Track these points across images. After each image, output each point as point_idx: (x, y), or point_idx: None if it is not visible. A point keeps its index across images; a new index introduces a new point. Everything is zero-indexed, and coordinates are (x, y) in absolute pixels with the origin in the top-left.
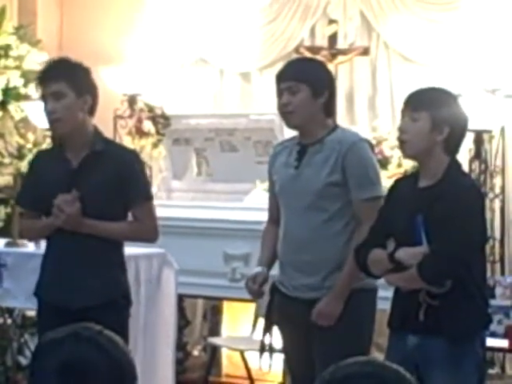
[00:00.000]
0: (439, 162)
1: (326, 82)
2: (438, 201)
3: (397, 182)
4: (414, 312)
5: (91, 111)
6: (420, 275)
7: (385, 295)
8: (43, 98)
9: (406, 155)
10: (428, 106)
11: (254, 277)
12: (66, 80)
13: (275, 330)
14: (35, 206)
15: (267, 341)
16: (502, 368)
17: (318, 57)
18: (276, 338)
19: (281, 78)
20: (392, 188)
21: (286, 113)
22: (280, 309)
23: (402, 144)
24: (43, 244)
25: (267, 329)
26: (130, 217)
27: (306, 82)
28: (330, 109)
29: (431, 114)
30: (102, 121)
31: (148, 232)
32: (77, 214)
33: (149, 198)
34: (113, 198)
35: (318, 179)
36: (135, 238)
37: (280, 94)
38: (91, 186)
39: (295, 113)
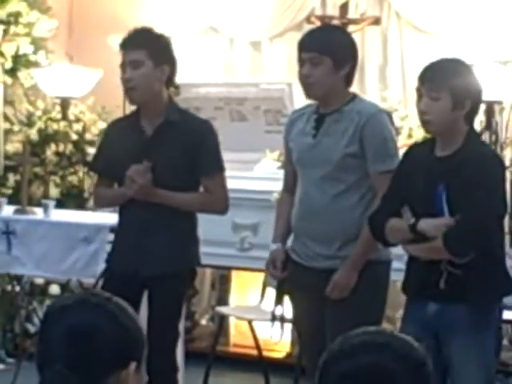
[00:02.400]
0: (459, 132)
1: (349, 53)
2: (460, 169)
3: (411, 148)
4: (434, 280)
5: (169, 82)
6: (446, 247)
7: (395, 266)
8: (122, 65)
9: (431, 133)
10: (446, 83)
11: (273, 260)
12: (146, 49)
13: (286, 299)
14: (108, 173)
15: (279, 311)
16: (510, 340)
17: None
18: (287, 308)
19: (303, 47)
20: (406, 154)
21: (306, 84)
22: (293, 278)
23: (426, 124)
24: (52, 212)
25: (279, 298)
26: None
27: (329, 54)
28: (350, 79)
29: (451, 91)
30: (114, 89)
31: (218, 203)
32: (148, 184)
33: (221, 169)
34: (185, 169)
35: (335, 150)
36: (205, 209)
37: (301, 63)
38: (164, 155)
39: (316, 85)
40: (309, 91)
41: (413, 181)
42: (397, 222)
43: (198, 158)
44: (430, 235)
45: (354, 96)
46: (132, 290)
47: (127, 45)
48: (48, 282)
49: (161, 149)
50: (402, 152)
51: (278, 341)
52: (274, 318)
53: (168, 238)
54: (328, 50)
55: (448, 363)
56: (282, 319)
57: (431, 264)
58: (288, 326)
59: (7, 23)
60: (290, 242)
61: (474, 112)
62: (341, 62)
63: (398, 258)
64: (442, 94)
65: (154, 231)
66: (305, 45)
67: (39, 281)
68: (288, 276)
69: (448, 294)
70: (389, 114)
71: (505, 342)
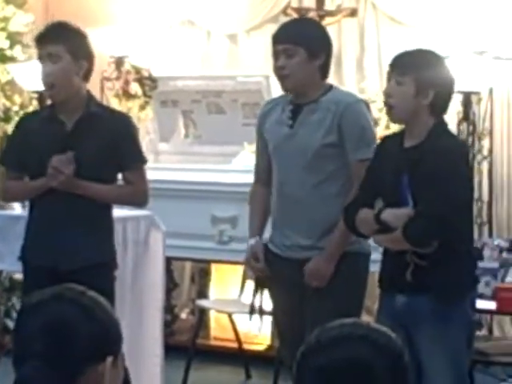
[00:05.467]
0: (424, 124)
1: (323, 44)
2: (421, 161)
3: (384, 139)
4: (401, 272)
5: (86, 76)
6: (405, 237)
7: (373, 257)
8: (40, 59)
9: (393, 120)
10: (412, 69)
11: (253, 253)
12: (64, 43)
13: (265, 291)
14: (21, 167)
15: (257, 303)
16: (490, 330)
17: None
18: (266, 300)
19: (277, 39)
20: (379, 146)
21: (281, 76)
22: (271, 269)
23: (389, 109)
24: None
25: (257, 290)
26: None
27: (303, 45)
28: (326, 70)
29: (415, 77)
30: (89, 83)
31: (139, 196)
32: (72, 175)
33: (142, 161)
34: (106, 161)
35: (313, 139)
36: (126, 202)
37: (276, 55)
38: (85, 148)
39: (291, 76)
40: (285, 83)
41: (383, 171)
42: (366, 212)
43: (119, 150)
44: (393, 226)
45: (331, 87)
46: (53, 284)
47: (44, 38)
48: None
49: (82, 141)
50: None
51: (257, 333)
52: (252, 311)
53: (84, 231)
54: (302, 41)
55: (418, 354)
56: (261, 311)
57: (400, 256)
58: (268, 319)
59: None
60: (267, 234)
61: (439, 104)
62: (315, 53)
63: (378, 250)
64: (406, 78)
65: (69, 224)
66: (279, 37)
67: (18, 276)
68: (267, 268)
69: (414, 286)
70: (366, 103)
71: (484, 331)
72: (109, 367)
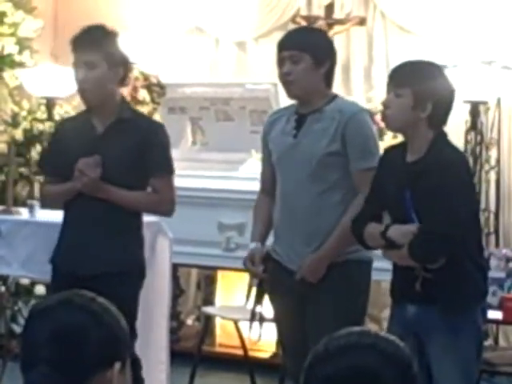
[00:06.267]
0: (424, 138)
1: (328, 51)
2: (422, 177)
3: (387, 151)
4: (411, 283)
5: (122, 82)
6: (411, 255)
7: (379, 266)
8: (75, 64)
9: (390, 129)
10: (410, 81)
11: (251, 256)
12: (100, 51)
13: (266, 299)
14: (57, 172)
15: (258, 310)
16: (496, 340)
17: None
18: (267, 308)
19: (283, 46)
20: (383, 157)
21: (287, 82)
22: (273, 278)
23: (386, 118)
24: (38, 212)
25: (259, 298)
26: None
27: (308, 51)
28: (330, 79)
29: (413, 90)
30: None
31: (165, 205)
32: (97, 178)
33: (170, 171)
34: (134, 167)
35: (317, 148)
36: (151, 210)
37: (281, 62)
38: (114, 153)
39: (296, 82)
40: (290, 89)
41: (386, 185)
42: (373, 227)
43: (148, 157)
44: (399, 243)
45: (335, 96)
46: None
47: (81, 45)
48: (33, 283)
49: (111, 146)
50: None
51: (257, 340)
52: (252, 317)
53: (108, 237)
54: (307, 48)
55: (429, 363)
56: (261, 319)
57: (409, 268)
58: (273, 326)
59: None
60: (271, 244)
61: (438, 116)
62: (320, 60)
63: (381, 258)
64: (404, 91)
65: (94, 229)
66: (284, 44)
67: (25, 281)
68: (269, 276)
69: (423, 297)
70: (370, 113)
71: (490, 341)
72: (116, 373)
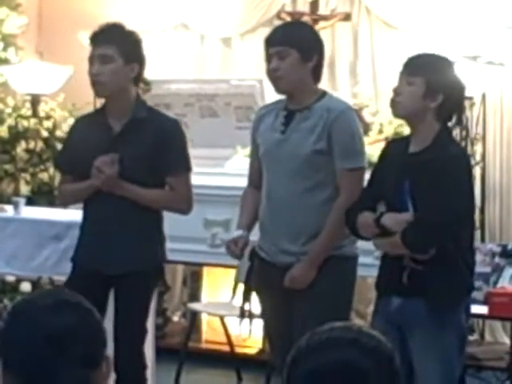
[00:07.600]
0: (430, 129)
1: (316, 46)
2: (425, 168)
3: (389, 143)
4: (398, 275)
5: (136, 80)
6: (403, 242)
7: (365, 261)
8: (91, 59)
9: (397, 115)
10: (424, 71)
11: (235, 240)
12: (117, 45)
13: (254, 295)
14: (73, 169)
15: (247, 307)
16: (482, 335)
17: None
18: (255, 304)
19: (270, 42)
20: (384, 150)
21: (275, 78)
22: (259, 274)
23: (395, 104)
24: (22, 209)
25: (247, 294)
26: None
27: (295, 46)
28: (318, 73)
29: (426, 79)
30: (84, 86)
31: (182, 202)
32: (115, 175)
33: (187, 168)
34: (151, 165)
35: (304, 145)
36: (168, 207)
37: (269, 58)
38: (131, 151)
39: (284, 78)
40: (278, 85)
41: (386, 176)
42: (367, 216)
43: (165, 155)
44: (392, 230)
45: (324, 93)
46: (96, 288)
47: (98, 39)
48: (19, 280)
49: (128, 145)
50: (371, 148)
51: (247, 337)
52: (242, 314)
53: (132, 236)
54: (294, 43)
55: (411, 356)
56: (250, 315)
57: (397, 260)
58: (259, 322)
59: None
60: (257, 240)
61: (446, 109)
62: (307, 54)
63: (367, 254)
64: (417, 80)
65: (117, 229)
66: (271, 40)
67: (10, 278)
68: (255, 273)
69: (409, 289)
70: (356, 112)
71: (476, 336)
72: (103, 373)
